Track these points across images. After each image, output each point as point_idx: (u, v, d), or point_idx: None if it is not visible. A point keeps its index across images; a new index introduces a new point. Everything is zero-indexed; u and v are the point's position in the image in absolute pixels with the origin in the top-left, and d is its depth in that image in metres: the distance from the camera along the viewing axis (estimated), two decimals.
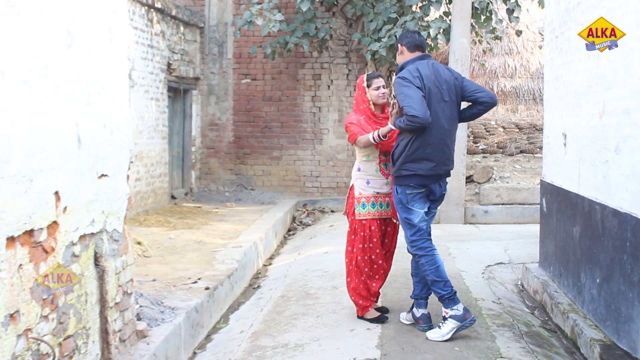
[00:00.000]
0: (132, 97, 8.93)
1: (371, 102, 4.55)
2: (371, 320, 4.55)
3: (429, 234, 4.32)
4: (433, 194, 4.29)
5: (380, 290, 4.75)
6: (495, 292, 5.63)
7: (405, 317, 4.53)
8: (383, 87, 4.56)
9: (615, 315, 4.02)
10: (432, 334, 4.20)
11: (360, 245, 4.54)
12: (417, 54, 4.32)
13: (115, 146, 3.74)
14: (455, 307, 4.14)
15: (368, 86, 4.55)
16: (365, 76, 4.61)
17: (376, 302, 4.77)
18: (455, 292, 4.19)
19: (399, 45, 4.39)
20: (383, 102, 4.57)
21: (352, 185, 4.63)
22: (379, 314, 4.60)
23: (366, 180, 4.55)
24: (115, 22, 3.75)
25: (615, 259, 4.03)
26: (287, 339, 4.37)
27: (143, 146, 9.55)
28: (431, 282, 4.18)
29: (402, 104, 4.09)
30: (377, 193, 4.54)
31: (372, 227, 4.54)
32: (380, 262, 4.59)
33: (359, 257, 4.55)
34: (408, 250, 4.37)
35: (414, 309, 4.44)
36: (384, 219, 4.62)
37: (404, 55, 4.37)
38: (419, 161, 4.15)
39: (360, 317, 4.61)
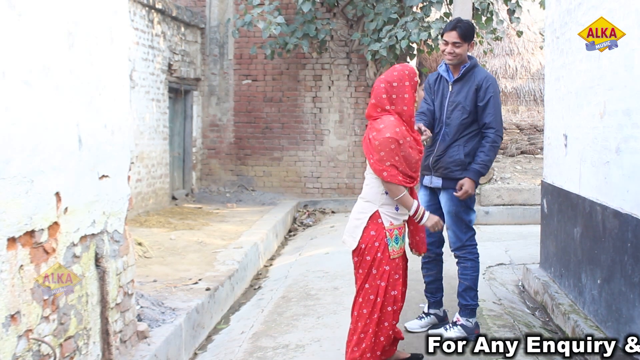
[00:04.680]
0: (133, 98, 8.92)
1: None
2: None
3: None
4: None
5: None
6: (496, 292, 5.62)
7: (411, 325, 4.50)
8: None
9: (616, 316, 4.01)
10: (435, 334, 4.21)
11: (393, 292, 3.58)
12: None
13: (116, 147, 3.73)
14: (470, 320, 4.19)
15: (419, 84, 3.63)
16: (414, 70, 3.60)
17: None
18: (478, 306, 4.25)
19: (473, 41, 4.11)
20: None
21: (374, 212, 3.54)
22: None
23: (395, 205, 3.58)
24: (116, 22, 3.75)
25: (616, 259, 4.03)
26: (288, 340, 4.37)
27: (144, 147, 9.55)
28: (464, 288, 4.18)
29: (496, 118, 4.02)
30: (403, 221, 3.65)
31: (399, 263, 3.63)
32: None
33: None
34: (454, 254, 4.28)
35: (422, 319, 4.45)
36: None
37: (467, 53, 4.11)
38: None
39: None
